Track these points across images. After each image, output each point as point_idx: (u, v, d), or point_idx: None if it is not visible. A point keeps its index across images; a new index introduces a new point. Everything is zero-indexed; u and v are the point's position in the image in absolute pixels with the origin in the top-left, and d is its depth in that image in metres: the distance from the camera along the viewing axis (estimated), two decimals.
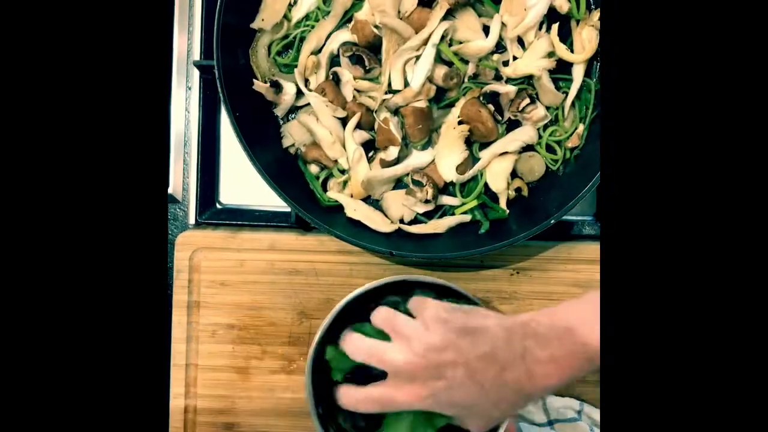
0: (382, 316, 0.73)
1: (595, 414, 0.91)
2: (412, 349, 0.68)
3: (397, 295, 0.83)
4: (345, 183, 0.93)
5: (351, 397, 0.72)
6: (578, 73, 0.91)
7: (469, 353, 0.66)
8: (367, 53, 0.89)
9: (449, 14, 0.88)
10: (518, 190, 0.93)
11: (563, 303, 0.68)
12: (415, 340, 0.69)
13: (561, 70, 0.92)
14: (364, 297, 0.82)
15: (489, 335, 0.67)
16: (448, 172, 0.90)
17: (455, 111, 0.91)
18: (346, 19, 0.92)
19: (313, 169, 0.94)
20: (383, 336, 0.73)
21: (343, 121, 0.92)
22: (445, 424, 0.72)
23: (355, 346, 0.72)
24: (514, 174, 0.93)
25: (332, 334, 0.81)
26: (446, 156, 0.90)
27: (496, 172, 0.91)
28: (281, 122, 0.95)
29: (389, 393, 0.69)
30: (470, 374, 0.66)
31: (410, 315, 0.74)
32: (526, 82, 0.92)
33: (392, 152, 0.90)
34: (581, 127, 0.92)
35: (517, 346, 0.66)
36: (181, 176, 1.00)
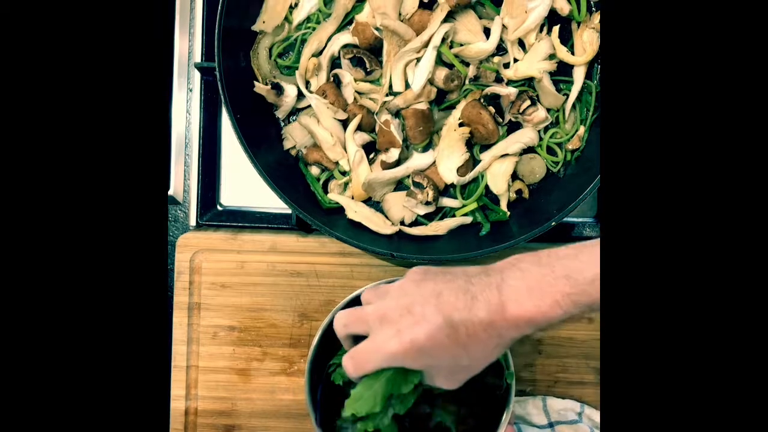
0: (367, 291, 0.71)
1: (596, 416, 0.91)
2: (389, 297, 0.66)
3: None
4: (346, 185, 0.93)
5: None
6: (579, 76, 0.91)
7: (443, 287, 0.63)
8: (368, 55, 0.90)
9: (450, 16, 0.88)
10: (519, 192, 0.93)
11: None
12: (392, 288, 0.67)
13: (562, 72, 0.92)
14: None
15: (468, 272, 0.65)
16: (448, 174, 0.91)
17: (456, 113, 0.91)
18: (347, 21, 0.92)
19: (314, 171, 0.94)
20: None
21: (344, 123, 0.92)
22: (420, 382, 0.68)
23: (337, 318, 0.70)
24: (514, 176, 0.93)
25: (331, 336, 0.81)
26: (447, 158, 0.90)
27: (497, 174, 0.91)
28: (282, 124, 0.95)
29: (357, 347, 0.66)
30: (439, 307, 0.62)
31: None
32: (527, 84, 0.92)
33: (393, 154, 0.90)
34: (582, 129, 0.92)
35: (494, 278, 0.62)
36: (182, 178, 1.00)
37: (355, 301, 0.81)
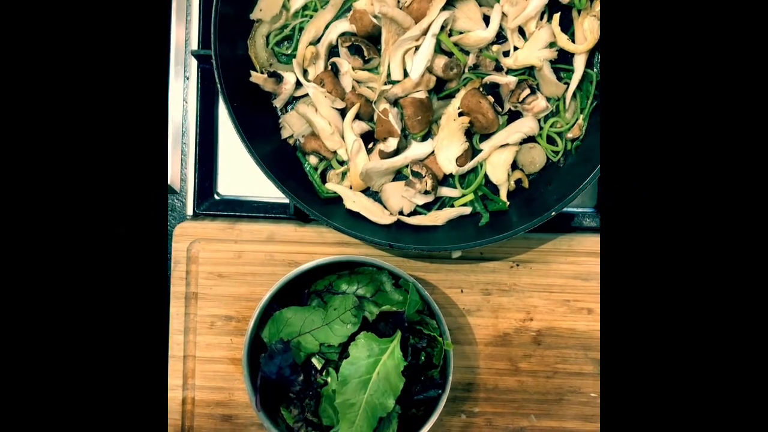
0: None
1: None
2: None
3: (339, 271, 0.87)
4: (344, 174, 0.93)
5: None
6: (579, 64, 0.90)
7: None
8: (366, 43, 0.89)
9: (449, 4, 0.88)
10: (519, 181, 0.92)
11: None
12: None
13: (562, 61, 0.91)
14: (300, 279, 0.85)
15: None
16: (447, 163, 0.90)
17: (455, 102, 0.90)
18: (344, 8, 0.91)
19: (312, 160, 0.94)
20: (309, 314, 0.81)
21: (342, 112, 0.91)
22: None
23: None
24: (514, 165, 0.92)
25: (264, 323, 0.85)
26: (446, 147, 0.90)
27: (497, 164, 0.91)
28: (280, 113, 0.95)
29: None
30: None
31: (342, 292, 0.82)
32: (527, 72, 0.91)
33: (391, 143, 0.90)
34: (582, 118, 0.91)
35: None
36: (179, 167, 0.99)
37: (293, 281, 0.84)
